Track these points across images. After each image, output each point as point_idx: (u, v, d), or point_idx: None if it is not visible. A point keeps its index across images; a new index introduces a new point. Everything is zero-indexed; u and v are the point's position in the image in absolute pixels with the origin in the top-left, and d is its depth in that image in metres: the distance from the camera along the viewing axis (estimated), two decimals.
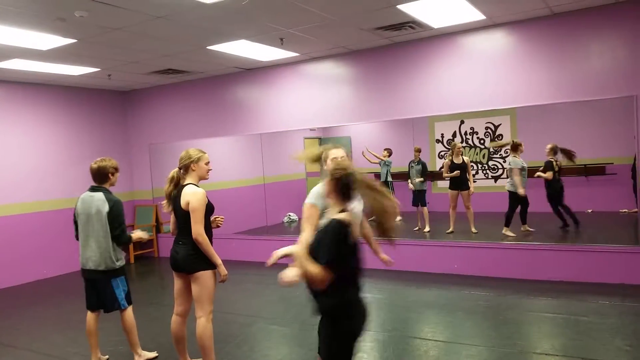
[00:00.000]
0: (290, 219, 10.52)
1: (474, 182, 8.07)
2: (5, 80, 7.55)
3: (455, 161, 7.75)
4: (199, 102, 8.65)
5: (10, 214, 7.57)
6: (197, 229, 3.46)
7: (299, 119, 7.67)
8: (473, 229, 7.48)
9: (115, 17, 4.94)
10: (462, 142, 9.57)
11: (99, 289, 4.03)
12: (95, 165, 3.98)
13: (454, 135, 9.66)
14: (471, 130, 9.50)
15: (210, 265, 3.55)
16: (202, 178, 3.65)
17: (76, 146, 8.53)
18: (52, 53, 6.12)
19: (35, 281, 7.69)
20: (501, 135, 9.24)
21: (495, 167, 9.30)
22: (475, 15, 5.71)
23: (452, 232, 7.60)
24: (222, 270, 3.61)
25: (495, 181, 9.24)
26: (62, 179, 8.27)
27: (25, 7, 4.51)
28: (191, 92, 8.72)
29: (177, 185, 3.64)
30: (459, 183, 7.71)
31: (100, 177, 3.99)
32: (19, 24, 4.96)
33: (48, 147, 8.14)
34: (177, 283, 3.72)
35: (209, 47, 6.40)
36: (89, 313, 4.11)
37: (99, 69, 7.25)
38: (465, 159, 7.78)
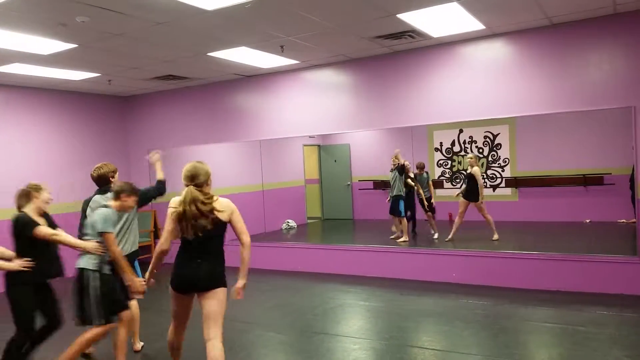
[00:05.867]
0: (288, 225, 10.51)
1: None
2: (6, 84, 7.56)
3: (469, 171, 7.90)
4: (199, 108, 8.67)
5: (8, 218, 7.54)
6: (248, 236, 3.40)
7: (298, 126, 7.68)
8: (495, 236, 7.60)
9: (116, 23, 4.96)
10: (461, 151, 9.60)
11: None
12: (95, 174, 4.38)
13: (453, 143, 9.69)
14: (470, 139, 9.54)
15: (226, 282, 3.42)
16: None
17: (76, 151, 8.53)
18: (53, 58, 6.14)
19: None
20: (500, 144, 9.27)
21: (494, 176, 9.33)
22: (475, 25, 5.74)
23: (451, 240, 7.62)
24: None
25: (494, 190, 9.27)
26: (62, 183, 8.25)
27: (26, 12, 4.53)
28: (191, 98, 8.74)
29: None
30: (468, 193, 7.82)
31: (103, 183, 4.38)
32: (21, 28, 4.98)
33: (48, 151, 8.14)
34: (182, 305, 3.41)
35: (209, 54, 6.42)
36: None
37: (99, 74, 7.27)
38: (474, 170, 7.79)
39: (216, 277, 3.34)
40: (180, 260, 3.36)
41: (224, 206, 3.32)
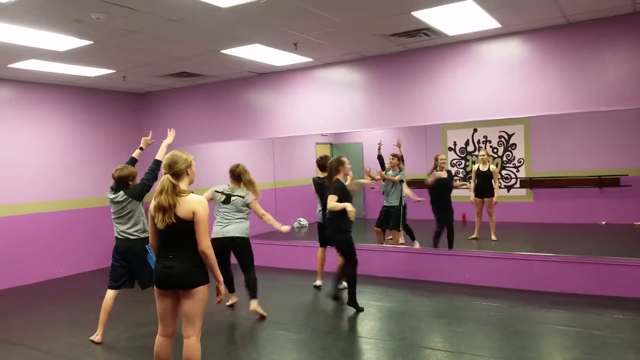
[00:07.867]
0: (300, 224, 10.50)
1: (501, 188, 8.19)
2: (22, 80, 7.64)
3: (482, 169, 7.91)
4: (213, 106, 8.69)
5: (23, 213, 7.64)
6: (207, 242, 3.21)
7: (311, 124, 7.66)
8: (493, 237, 7.53)
9: (131, 20, 4.98)
10: (475, 151, 9.52)
11: (135, 263, 4.80)
12: (116, 175, 4.83)
13: (467, 143, 9.61)
14: (484, 139, 9.45)
15: (206, 279, 3.30)
16: (192, 183, 3.45)
17: (90, 147, 8.60)
18: (68, 54, 6.19)
19: (47, 281, 7.74)
20: (514, 144, 9.17)
21: (509, 177, 9.24)
22: (491, 23, 5.67)
23: (475, 238, 7.76)
24: (222, 287, 3.39)
25: (509, 191, 9.18)
26: (76, 179, 8.33)
27: (43, 9, 4.56)
28: (205, 95, 8.76)
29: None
30: (483, 190, 7.83)
31: (120, 184, 4.84)
32: (37, 25, 5.01)
33: (62, 147, 8.21)
34: (164, 303, 3.33)
35: (223, 51, 6.42)
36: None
37: (114, 71, 7.31)
38: (492, 167, 7.90)
39: (190, 275, 3.22)
40: (158, 256, 3.34)
41: (186, 202, 3.20)
